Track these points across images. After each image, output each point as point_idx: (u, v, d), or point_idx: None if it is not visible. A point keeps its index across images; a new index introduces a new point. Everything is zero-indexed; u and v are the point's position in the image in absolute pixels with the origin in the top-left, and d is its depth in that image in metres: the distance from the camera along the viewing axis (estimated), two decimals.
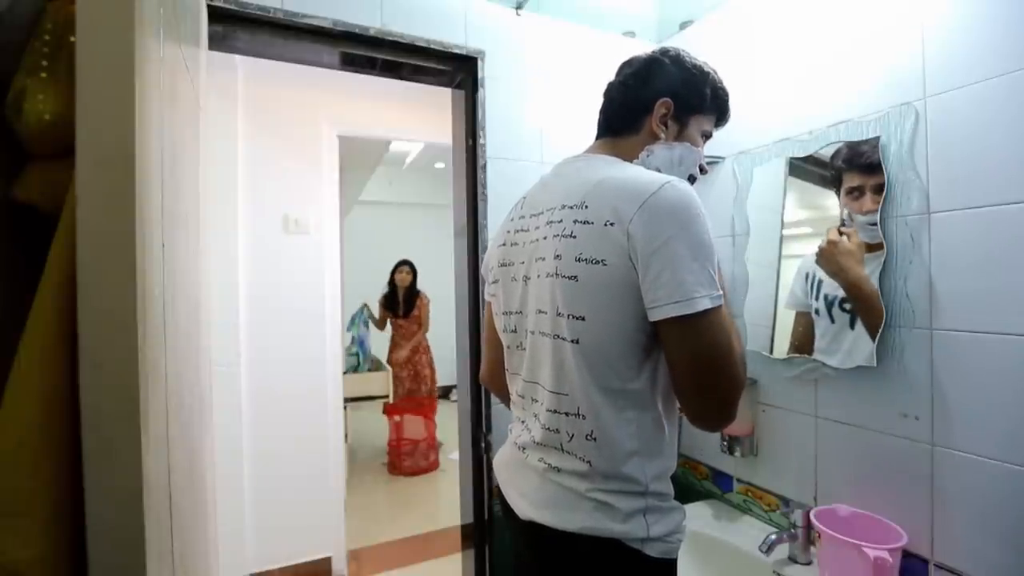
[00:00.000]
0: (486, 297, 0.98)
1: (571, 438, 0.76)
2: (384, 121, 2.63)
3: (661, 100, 0.85)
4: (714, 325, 0.68)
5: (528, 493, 0.81)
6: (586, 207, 0.74)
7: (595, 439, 0.74)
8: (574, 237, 0.74)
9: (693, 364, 0.69)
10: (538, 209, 0.85)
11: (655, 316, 0.69)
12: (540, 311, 0.79)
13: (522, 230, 0.87)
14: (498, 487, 0.91)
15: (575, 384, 0.75)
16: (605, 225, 0.71)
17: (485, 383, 1.07)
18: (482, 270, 0.98)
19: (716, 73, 0.90)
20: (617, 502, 0.73)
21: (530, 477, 0.82)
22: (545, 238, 0.79)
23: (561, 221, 0.77)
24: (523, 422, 0.87)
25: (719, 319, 0.69)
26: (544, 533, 0.77)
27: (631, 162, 0.84)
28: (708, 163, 1.57)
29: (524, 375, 0.86)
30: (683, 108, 0.86)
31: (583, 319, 0.74)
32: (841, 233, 1.19)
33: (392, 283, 4.17)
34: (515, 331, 0.86)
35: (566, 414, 0.77)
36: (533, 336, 0.82)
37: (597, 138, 0.93)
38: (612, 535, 0.72)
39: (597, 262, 0.72)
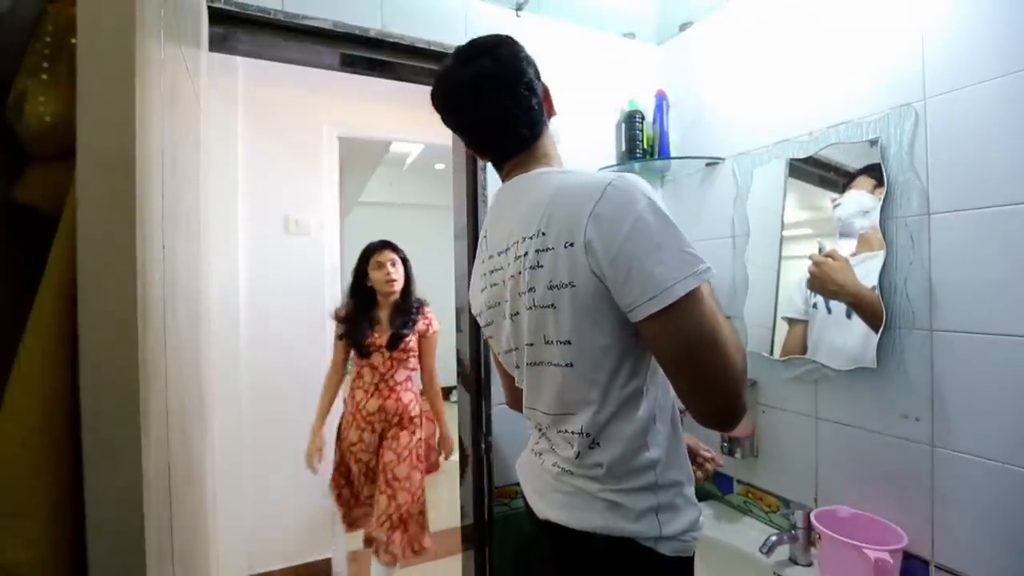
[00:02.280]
0: (485, 335, 0.98)
1: (579, 455, 0.78)
2: (384, 122, 2.63)
3: (543, 87, 0.86)
4: (692, 309, 0.65)
5: (544, 494, 0.84)
6: (544, 235, 0.74)
7: (599, 444, 0.76)
8: (541, 267, 0.74)
9: (679, 355, 0.67)
10: (502, 246, 0.84)
11: (636, 317, 0.68)
12: (530, 344, 0.80)
13: (497, 269, 0.86)
14: (519, 488, 0.93)
15: (577, 404, 0.77)
16: (565, 247, 0.71)
17: (513, 408, 1.07)
18: (473, 312, 0.98)
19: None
20: (629, 502, 0.74)
21: (546, 479, 0.84)
22: (520, 272, 0.78)
23: (527, 254, 0.76)
24: (539, 429, 0.88)
25: (698, 303, 0.66)
26: (561, 532, 0.79)
27: (556, 152, 0.87)
28: (708, 164, 1.59)
29: (527, 402, 0.88)
30: (538, 80, 0.86)
31: (570, 343, 0.74)
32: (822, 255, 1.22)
33: (360, 285, 2.06)
34: (518, 367, 0.87)
35: (573, 432, 0.78)
36: (529, 368, 0.83)
37: (509, 157, 0.86)
38: (624, 534, 0.73)
39: (566, 285, 0.72)
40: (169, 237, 0.63)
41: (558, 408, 0.79)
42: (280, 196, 2.36)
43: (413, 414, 2.06)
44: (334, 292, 2.48)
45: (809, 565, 1.21)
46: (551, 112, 0.88)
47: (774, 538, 1.20)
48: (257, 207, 2.31)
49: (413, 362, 2.06)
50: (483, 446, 1.48)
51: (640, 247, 0.66)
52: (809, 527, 1.20)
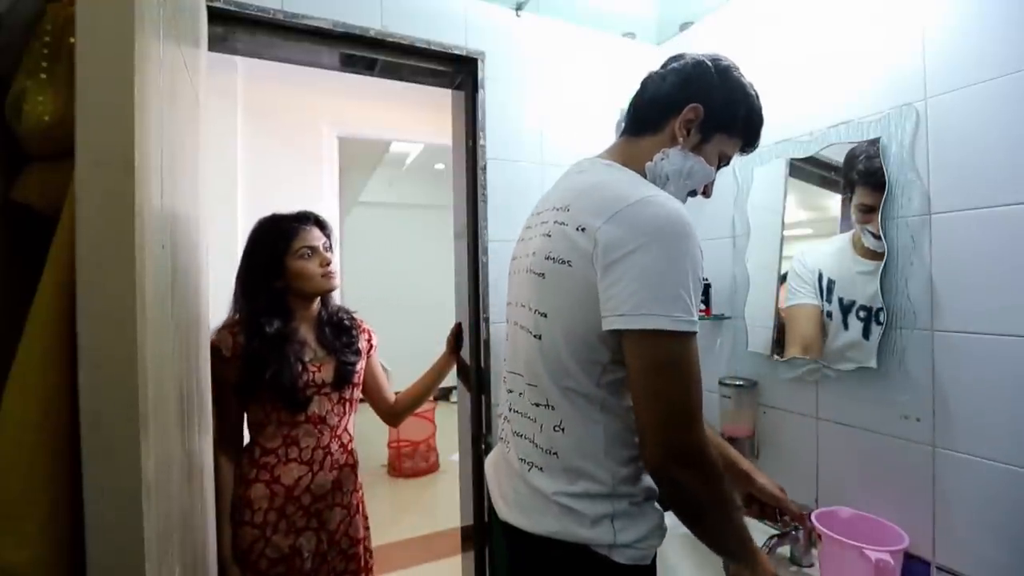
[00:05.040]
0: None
1: (542, 429, 0.78)
2: (384, 122, 2.64)
3: (692, 105, 0.80)
4: (674, 350, 0.66)
5: (506, 494, 0.83)
6: (568, 210, 0.76)
7: (563, 430, 0.76)
8: (550, 236, 0.77)
9: (643, 385, 0.67)
10: (540, 209, 0.88)
11: (604, 326, 0.69)
12: (521, 304, 0.83)
13: (528, 227, 0.90)
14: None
15: (542, 377, 0.77)
16: (577, 230, 0.72)
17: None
18: None
19: (758, 99, 0.85)
20: (583, 507, 0.73)
21: (509, 475, 0.84)
22: (535, 237, 0.82)
23: (547, 221, 0.80)
24: (509, 408, 0.88)
25: (682, 347, 0.66)
26: (518, 535, 0.78)
27: (643, 165, 0.82)
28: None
29: (508, 365, 0.89)
30: (711, 121, 0.81)
31: (545, 316, 0.76)
32: None
33: (264, 290, 1.24)
34: (507, 322, 0.91)
35: (537, 404, 0.78)
36: (515, 328, 0.85)
37: (621, 135, 0.89)
38: (579, 540, 0.73)
39: (563, 262, 0.73)
40: (168, 236, 0.63)
41: (529, 376, 0.80)
42: (280, 195, 2.36)
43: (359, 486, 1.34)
44: (334, 292, 2.48)
45: (810, 566, 1.21)
46: (683, 133, 0.81)
47: (775, 539, 1.20)
48: (257, 206, 2.29)
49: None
50: (483, 446, 1.48)
51: (642, 265, 0.66)
52: (810, 528, 1.20)
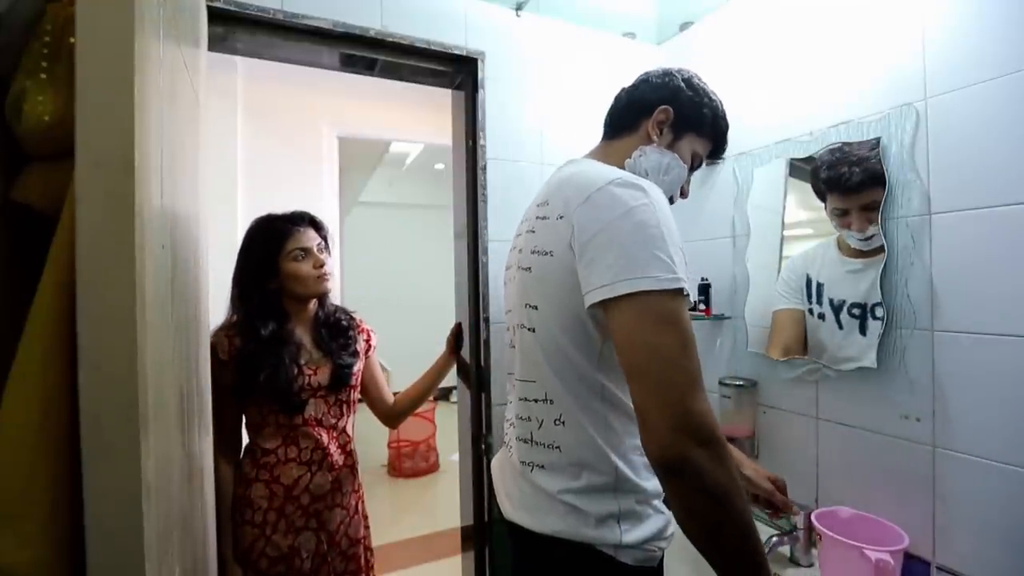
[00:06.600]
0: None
1: (540, 425, 0.78)
2: (384, 122, 2.64)
3: (662, 107, 0.88)
4: (664, 306, 0.63)
5: (511, 494, 0.84)
6: (547, 204, 0.79)
7: (563, 423, 0.76)
8: (534, 232, 0.80)
9: (636, 348, 0.63)
10: (526, 216, 0.91)
11: (587, 302, 0.69)
12: (516, 305, 0.85)
13: (518, 235, 0.92)
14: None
15: (542, 368, 0.78)
16: (556, 219, 0.75)
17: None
18: None
19: (722, 106, 0.92)
20: (588, 505, 0.73)
21: (514, 476, 0.84)
22: (522, 237, 0.85)
23: (530, 219, 0.83)
24: (513, 412, 0.89)
25: (671, 304, 0.63)
26: (524, 534, 0.79)
27: (622, 162, 0.87)
28: (708, 164, 1.58)
29: (510, 370, 0.90)
30: (681, 121, 0.88)
31: (536, 308, 0.78)
32: None
33: (257, 292, 1.25)
34: (509, 328, 0.91)
35: (535, 400, 0.79)
36: (513, 330, 0.87)
37: (601, 139, 0.96)
38: (585, 540, 0.73)
39: (546, 253, 0.76)
40: (168, 236, 0.63)
41: (524, 374, 0.81)
42: (280, 195, 2.36)
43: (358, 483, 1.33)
44: (333, 292, 2.48)
45: (810, 566, 1.21)
46: (656, 132, 0.87)
47: (775, 539, 1.20)
48: (257, 206, 2.29)
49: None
50: (483, 446, 1.48)
51: (616, 238, 0.67)
52: (810, 528, 1.20)
